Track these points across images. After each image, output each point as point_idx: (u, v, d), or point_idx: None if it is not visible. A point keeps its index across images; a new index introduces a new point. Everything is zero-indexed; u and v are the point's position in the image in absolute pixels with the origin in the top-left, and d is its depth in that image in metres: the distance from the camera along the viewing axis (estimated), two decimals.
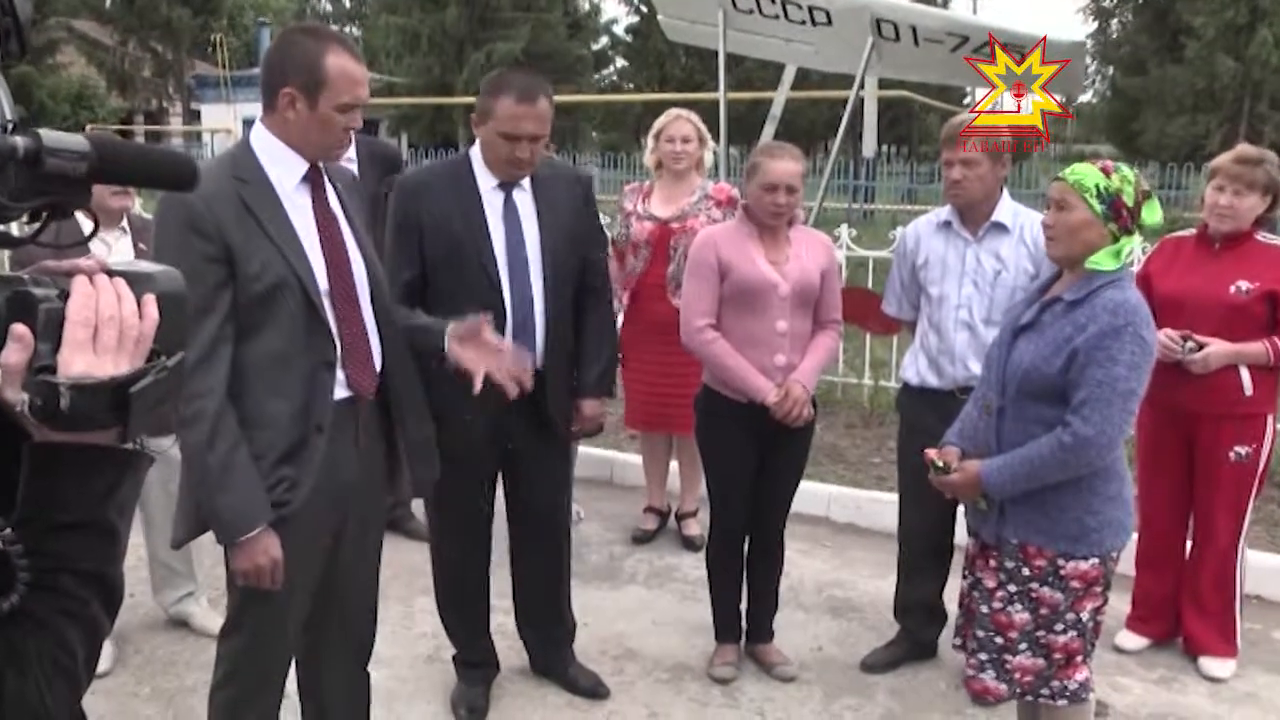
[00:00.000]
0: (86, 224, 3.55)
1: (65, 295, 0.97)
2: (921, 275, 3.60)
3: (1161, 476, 3.83)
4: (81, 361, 0.95)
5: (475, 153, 3.17)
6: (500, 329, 3.12)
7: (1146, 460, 3.88)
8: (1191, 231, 3.76)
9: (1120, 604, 3.96)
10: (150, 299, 1.01)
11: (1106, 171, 2.58)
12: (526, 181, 3.18)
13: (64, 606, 0.99)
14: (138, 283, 1.01)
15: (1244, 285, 3.52)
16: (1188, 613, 3.86)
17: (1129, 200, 2.56)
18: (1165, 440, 3.76)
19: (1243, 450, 3.62)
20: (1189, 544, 3.88)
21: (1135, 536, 3.86)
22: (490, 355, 2.64)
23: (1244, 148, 3.68)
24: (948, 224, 3.55)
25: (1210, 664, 3.78)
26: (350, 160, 4.50)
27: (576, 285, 3.31)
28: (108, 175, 1.00)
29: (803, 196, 3.48)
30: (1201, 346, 3.52)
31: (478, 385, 2.63)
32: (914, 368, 3.65)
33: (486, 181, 3.14)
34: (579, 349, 3.36)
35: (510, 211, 3.15)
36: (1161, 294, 3.65)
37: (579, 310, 3.34)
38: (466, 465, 3.20)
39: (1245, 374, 3.55)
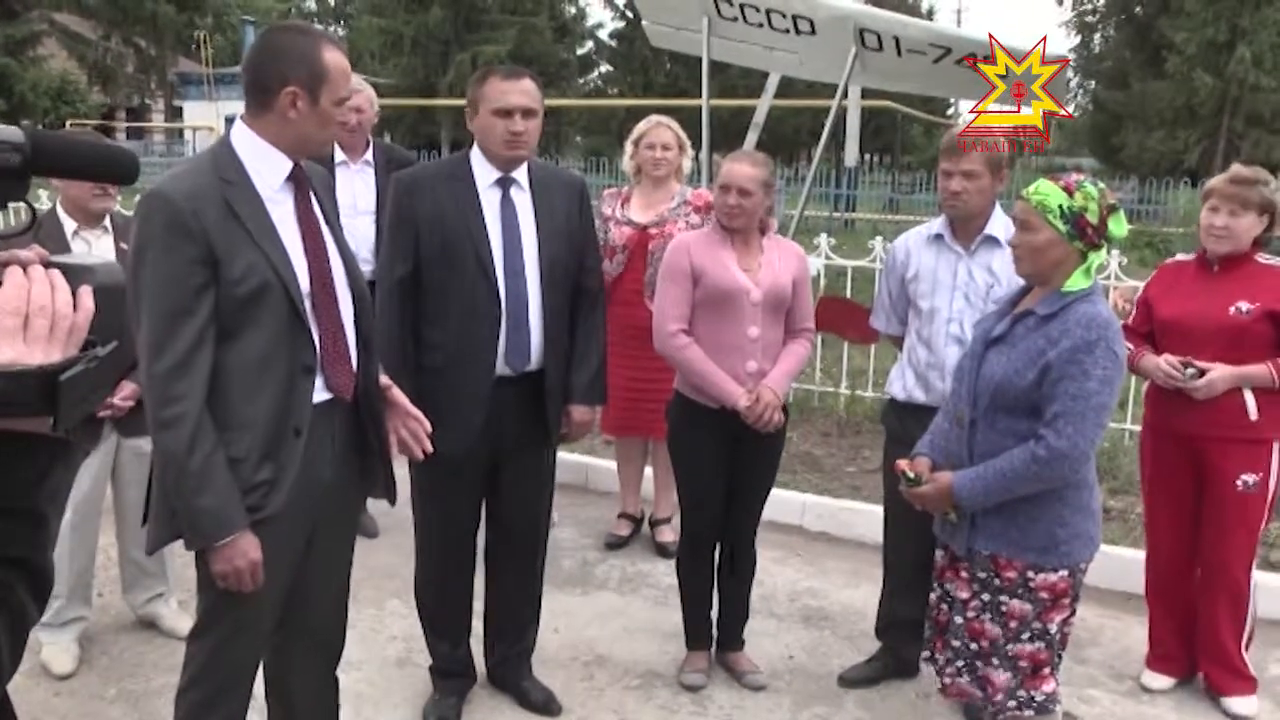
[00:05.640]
0: (69, 223, 3.53)
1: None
2: (911, 289, 3.54)
3: (1168, 504, 3.71)
4: (10, 350, 0.96)
5: (475, 152, 3.19)
6: (495, 325, 3.12)
7: (1151, 487, 3.77)
8: (1190, 256, 3.68)
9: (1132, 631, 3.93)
10: (86, 291, 1.01)
11: (1069, 190, 2.58)
12: (524, 180, 3.19)
13: None
14: (75, 275, 1.01)
15: (1244, 306, 3.43)
16: (1202, 654, 3.74)
17: (1093, 218, 2.56)
18: (1170, 467, 3.65)
19: (1250, 479, 3.50)
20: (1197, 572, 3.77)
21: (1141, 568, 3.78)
22: (397, 415, 2.66)
23: (1238, 168, 3.60)
24: (939, 237, 3.49)
25: (1234, 703, 3.65)
26: (368, 163, 4.57)
27: (572, 288, 3.31)
28: (43, 167, 1.00)
29: (762, 201, 3.43)
30: (1203, 372, 3.43)
31: (392, 451, 2.69)
32: (900, 382, 3.58)
33: (484, 179, 3.15)
34: (570, 352, 3.34)
35: (508, 208, 3.16)
36: (1162, 319, 3.59)
37: (573, 313, 3.33)
38: (459, 471, 3.19)
39: (1250, 397, 3.45)
